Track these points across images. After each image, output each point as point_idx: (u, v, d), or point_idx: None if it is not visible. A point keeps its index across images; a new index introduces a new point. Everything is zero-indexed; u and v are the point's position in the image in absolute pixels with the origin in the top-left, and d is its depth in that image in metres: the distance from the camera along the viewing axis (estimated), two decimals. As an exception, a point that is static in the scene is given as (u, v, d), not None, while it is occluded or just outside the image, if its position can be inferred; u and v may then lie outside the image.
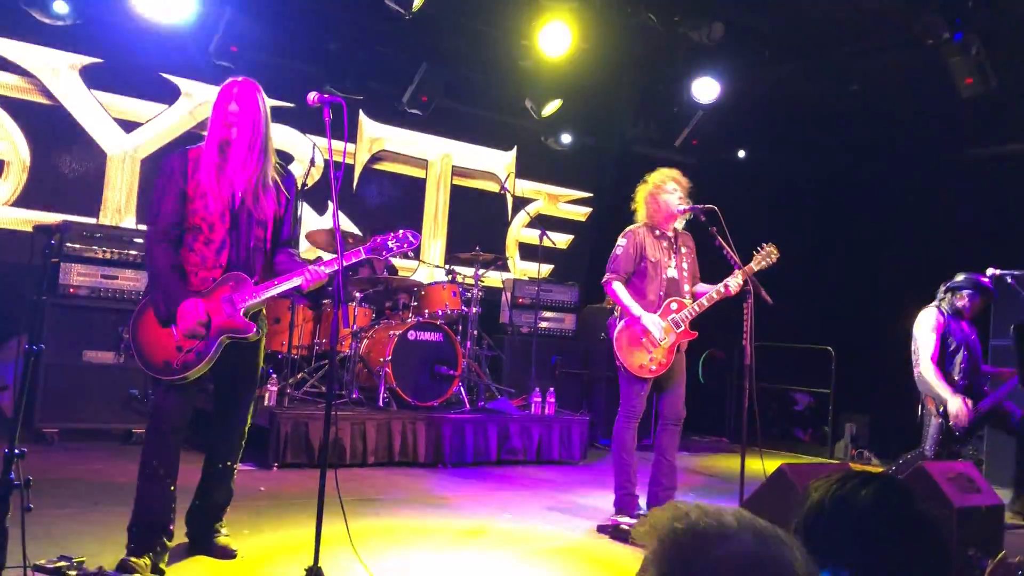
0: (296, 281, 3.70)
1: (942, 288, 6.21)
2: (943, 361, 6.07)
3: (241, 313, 3.67)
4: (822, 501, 1.52)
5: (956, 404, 5.87)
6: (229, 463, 4.00)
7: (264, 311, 3.95)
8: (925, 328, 6.09)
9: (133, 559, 3.53)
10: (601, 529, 5.00)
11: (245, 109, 3.67)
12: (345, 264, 3.68)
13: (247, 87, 3.71)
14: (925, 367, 6.02)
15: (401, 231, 3.81)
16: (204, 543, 3.96)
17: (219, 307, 3.65)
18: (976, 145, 8.73)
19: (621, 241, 5.30)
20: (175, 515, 3.77)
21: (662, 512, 1.14)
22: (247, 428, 4.02)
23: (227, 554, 3.92)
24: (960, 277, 6.18)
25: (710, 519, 1.11)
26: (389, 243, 3.78)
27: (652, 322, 5.12)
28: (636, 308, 5.15)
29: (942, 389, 5.95)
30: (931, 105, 8.13)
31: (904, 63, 7.85)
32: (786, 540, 1.12)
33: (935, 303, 6.18)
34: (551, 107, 9.24)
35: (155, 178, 3.79)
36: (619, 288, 5.21)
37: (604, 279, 5.29)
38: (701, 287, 5.41)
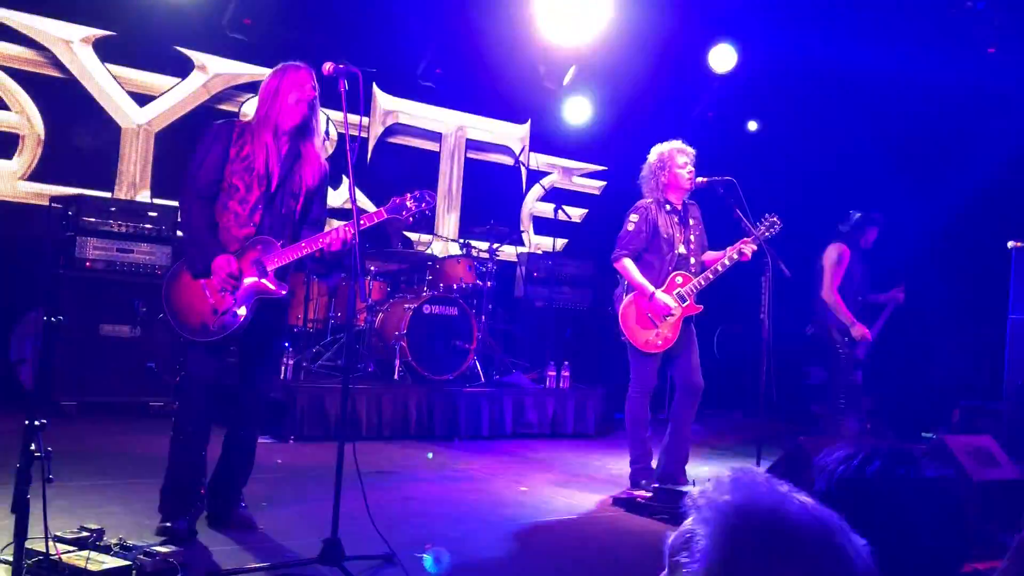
0: (322, 242, 3.77)
1: (843, 226, 6.90)
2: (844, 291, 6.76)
3: (272, 275, 3.79)
4: (828, 488, 1.48)
5: (859, 331, 6.68)
6: (248, 431, 4.04)
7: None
8: (832, 260, 6.74)
9: (169, 523, 3.67)
10: (617, 501, 5.00)
11: (308, 95, 3.87)
12: (366, 225, 3.79)
13: (307, 75, 3.90)
14: (828, 295, 6.69)
15: (418, 191, 3.86)
16: (224, 515, 3.97)
17: (250, 269, 3.77)
18: (1000, 115, 8.61)
19: (632, 217, 5.26)
20: (206, 479, 3.88)
21: (719, 489, 1.07)
22: (267, 395, 4.06)
23: (248, 525, 3.94)
24: (856, 214, 6.92)
25: (771, 506, 1.03)
26: (407, 203, 3.84)
27: (665, 299, 5.11)
28: (648, 286, 5.13)
29: (845, 316, 6.67)
30: (952, 75, 8.02)
31: (926, 31, 7.74)
32: (846, 530, 1.06)
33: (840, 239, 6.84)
34: (567, 76, 9.16)
35: (199, 140, 3.93)
36: (629, 265, 5.19)
37: (613, 255, 5.25)
38: (709, 255, 5.37)
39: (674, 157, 5.22)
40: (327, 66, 3.69)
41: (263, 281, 3.78)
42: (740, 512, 1.02)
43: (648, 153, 5.37)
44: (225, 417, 4.06)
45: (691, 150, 5.28)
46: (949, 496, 1.47)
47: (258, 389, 4.03)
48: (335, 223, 7.62)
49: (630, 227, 5.23)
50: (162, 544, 3.44)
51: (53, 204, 6.83)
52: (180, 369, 3.99)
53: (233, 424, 4.04)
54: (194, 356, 3.83)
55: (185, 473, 3.80)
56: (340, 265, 6.51)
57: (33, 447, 2.59)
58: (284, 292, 3.85)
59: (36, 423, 2.56)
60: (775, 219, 5.27)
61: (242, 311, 3.76)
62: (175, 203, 5.92)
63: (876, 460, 1.46)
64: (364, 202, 8.66)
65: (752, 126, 10.30)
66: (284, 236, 3.87)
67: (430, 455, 3.61)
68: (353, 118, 3.63)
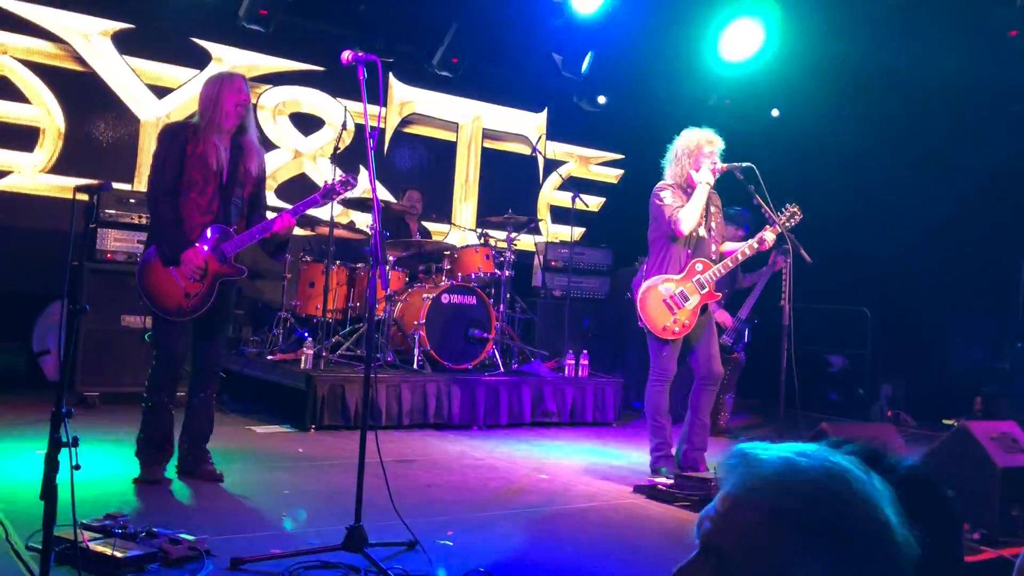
0: (271, 228, 4.43)
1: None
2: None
3: (232, 259, 4.42)
4: None
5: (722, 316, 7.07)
6: (209, 393, 4.58)
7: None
8: None
9: (152, 470, 4.36)
10: (638, 489, 4.99)
11: (244, 99, 4.43)
12: (304, 211, 4.57)
13: (241, 81, 4.47)
14: None
15: (343, 175, 4.60)
16: (193, 469, 4.51)
17: (212, 256, 4.38)
18: (1019, 100, 8.51)
19: (664, 193, 5.21)
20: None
21: (731, 464, 1.07)
22: (222, 360, 4.73)
23: (214, 477, 4.46)
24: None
25: (778, 463, 1.02)
26: (337, 187, 4.57)
27: (704, 173, 5.11)
28: (700, 184, 5.12)
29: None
30: (974, 58, 7.93)
31: (947, 14, 7.65)
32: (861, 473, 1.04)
33: None
34: (586, 63, 9.14)
35: (158, 142, 4.52)
36: (680, 208, 5.13)
37: (670, 220, 5.14)
38: (729, 245, 5.36)
39: (703, 145, 5.19)
40: (346, 54, 3.70)
41: (225, 267, 4.42)
42: (759, 489, 1.01)
43: (671, 138, 5.33)
44: (187, 380, 4.65)
45: (720, 141, 5.24)
46: (918, 493, 1.43)
47: (214, 357, 4.59)
48: (351, 216, 7.61)
49: (667, 200, 5.17)
50: (185, 531, 3.47)
51: (78, 195, 6.86)
52: (155, 344, 4.49)
53: (192, 388, 4.58)
54: (171, 334, 4.43)
55: (159, 431, 4.40)
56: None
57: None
58: (243, 274, 4.52)
59: (63, 410, 2.57)
60: (796, 209, 5.24)
61: (209, 294, 4.40)
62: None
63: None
64: (382, 193, 8.67)
65: (775, 113, 10.22)
66: (237, 221, 4.50)
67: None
68: (372, 109, 3.65)
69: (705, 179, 5.12)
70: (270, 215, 4.63)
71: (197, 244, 4.34)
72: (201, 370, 4.58)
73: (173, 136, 4.42)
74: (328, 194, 4.59)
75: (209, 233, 4.38)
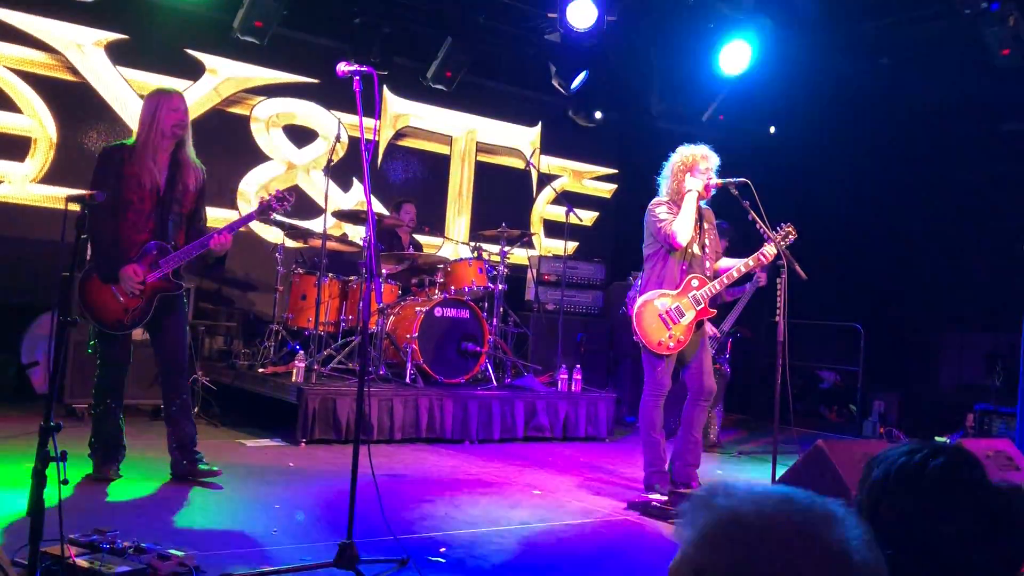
0: (206, 245, 4.57)
1: None
2: None
3: (170, 274, 4.57)
4: (885, 477, 1.45)
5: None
6: (184, 397, 4.72)
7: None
8: None
9: (104, 469, 4.58)
10: (632, 506, 4.96)
11: (180, 118, 4.58)
12: (238, 229, 4.76)
13: (179, 99, 4.63)
14: None
15: (279, 191, 4.77)
16: (191, 472, 4.65)
17: (150, 273, 4.54)
18: (1011, 118, 8.56)
19: (659, 208, 5.18)
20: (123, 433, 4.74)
21: (700, 499, 1.04)
22: (187, 366, 4.83)
23: (210, 475, 4.64)
24: None
25: (747, 509, 1.00)
26: (273, 203, 4.72)
27: (692, 181, 5.09)
28: (689, 192, 5.09)
29: None
30: (966, 78, 7.98)
31: (939, 34, 7.70)
32: (838, 516, 1.03)
33: None
34: (578, 80, 9.15)
35: (96, 163, 4.65)
36: (672, 221, 5.09)
37: (664, 234, 5.10)
38: (724, 262, 5.35)
39: (697, 162, 5.18)
40: (342, 66, 3.70)
41: (163, 282, 4.58)
42: (716, 521, 1.00)
43: (665, 154, 5.32)
44: (160, 392, 4.81)
45: (715, 157, 5.23)
46: (1010, 508, 1.43)
47: (176, 365, 4.72)
48: (344, 228, 7.58)
49: (661, 215, 5.15)
50: (176, 548, 3.42)
51: (69, 205, 6.82)
52: (99, 356, 4.69)
53: (165, 397, 4.74)
54: (112, 346, 4.64)
55: (110, 435, 4.64)
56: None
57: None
58: (181, 289, 4.69)
59: (52, 424, 2.54)
60: (790, 228, 5.22)
61: (148, 308, 4.58)
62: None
63: (940, 457, 1.43)
64: (375, 206, 8.65)
65: (772, 130, 10.24)
66: (176, 237, 4.65)
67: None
68: (367, 121, 3.63)
69: (694, 187, 5.09)
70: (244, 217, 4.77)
71: (135, 261, 4.48)
72: (169, 380, 4.73)
73: (109, 158, 4.58)
74: (264, 211, 4.76)
75: (147, 250, 4.53)
